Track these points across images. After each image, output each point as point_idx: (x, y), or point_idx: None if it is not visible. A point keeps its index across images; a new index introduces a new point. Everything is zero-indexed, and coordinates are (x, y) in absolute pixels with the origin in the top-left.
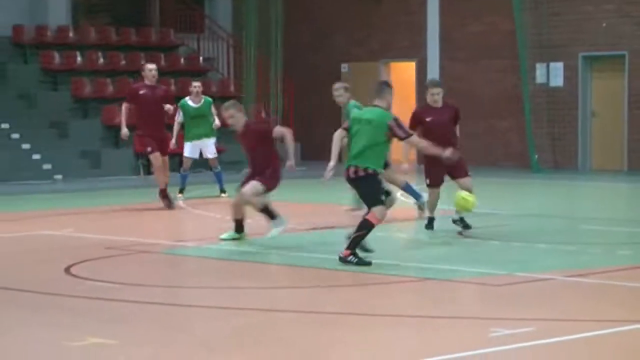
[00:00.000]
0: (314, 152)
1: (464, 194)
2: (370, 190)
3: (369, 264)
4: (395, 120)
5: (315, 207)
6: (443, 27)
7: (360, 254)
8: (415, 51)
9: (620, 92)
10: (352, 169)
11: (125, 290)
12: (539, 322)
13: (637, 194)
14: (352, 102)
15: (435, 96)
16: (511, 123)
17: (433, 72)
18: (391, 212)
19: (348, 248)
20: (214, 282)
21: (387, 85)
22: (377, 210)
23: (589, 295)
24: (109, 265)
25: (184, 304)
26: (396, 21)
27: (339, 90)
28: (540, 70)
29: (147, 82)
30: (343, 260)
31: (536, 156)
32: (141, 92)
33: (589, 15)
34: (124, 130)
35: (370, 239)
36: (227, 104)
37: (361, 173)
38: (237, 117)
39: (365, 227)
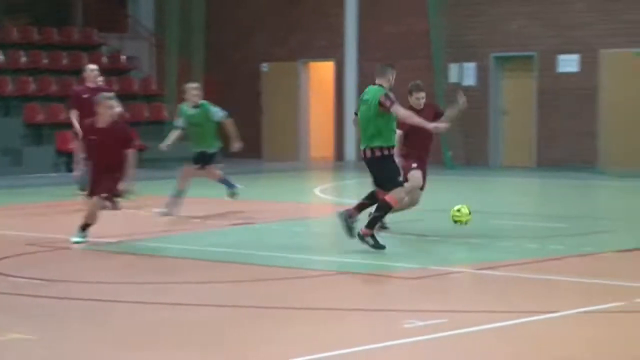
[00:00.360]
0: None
1: (456, 208)
2: (386, 173)
3: (383, 247)
4: (386, 94)
5: (231, 204)
6: (360, 28)
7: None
8: (333, 51)
9: (530, 92)
10: (367, 151)
11: (47, 286)
12: (452, 314)
13: (545, 190)
14: (204, 102)
15: (421, 100)
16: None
17: (351, 72)
18: (307, 208)
19: (368, 226)
20: (136, 277)
21: (389, 66)
22: (396, 192)
23: (500, 287)
24: (30, 262)
25: (105, 299)
26: (315, 22)
27: (196, 90)
28: (453, 70)
29: (89, 84)
30: (361, 238)
31: (450, 153)
32: (84, 95)
33: (500, 17)
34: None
35: (287, 234)
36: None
37: (377, 153)
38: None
39: (384, 208)
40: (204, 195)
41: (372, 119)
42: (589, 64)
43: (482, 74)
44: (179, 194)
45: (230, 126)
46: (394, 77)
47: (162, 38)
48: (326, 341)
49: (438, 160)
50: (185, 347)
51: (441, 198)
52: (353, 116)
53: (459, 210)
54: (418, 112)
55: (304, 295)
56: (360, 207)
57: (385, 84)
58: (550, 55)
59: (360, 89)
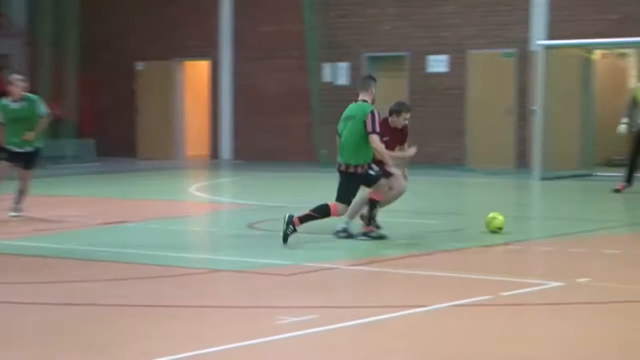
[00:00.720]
0: (108, 149)
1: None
2: (347, 189)
3: (383, 237)
4: (372, 112)
5: (108, 202)
6: (236, 28)
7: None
8: (208, 50)
9: (402, 91)
10: (342, 165)
11: None
12: (325, 309)
13: (416, 187)
14: (30, 95)
15: (405, 121)
16: (300, 120)
17: (226, 71)
18: (183, 206)
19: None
20: (12, 277)
21: (371, 78)
22: (340, 206)
23: (372, 282)
24: None
25: None
26: (190, 21)
27: (22, 82)
28: (326, 69)
29: None
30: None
31: (324, 151)
32: None
33: (373, 18)
34: None
35: (162, 232)
36: None
37: (351, 170)
38: None
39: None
40: (77, 194)
41: (357, 135)
42: (458, 64)
43: (355, 73)
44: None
45: (44, 124)
46: (376, 88)
47: (34, 35)
48: (196, 339)
49: (313, 158)
50: (49, 346)
51: (315, 196)
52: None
53: (494, 219)
54: (397, 130)
55: (175, 293)
56: (306, 219)
57: (369, 98)
58: (420, 55)
59: (236, 88)
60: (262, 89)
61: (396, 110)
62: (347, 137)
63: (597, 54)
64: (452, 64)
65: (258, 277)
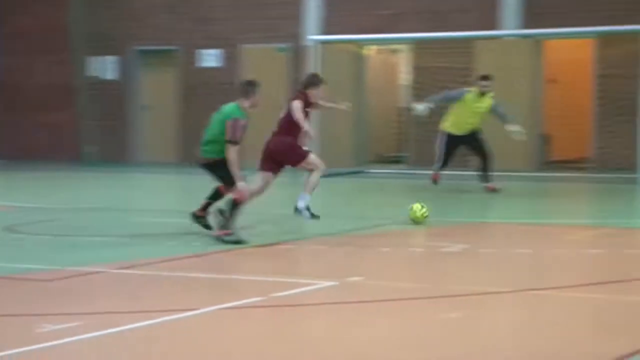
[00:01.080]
0: None
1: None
2: (224, 171)
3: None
4: (234, 120)
5: None
6: None
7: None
8: None
9: (172, 86)
10: (201, 158)
11: None
12: (89, 316)
13: (187, 186)
14: None
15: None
16: (65, 116)
17: None
18: None
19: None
20: None
21: (252, 85)
22: (238, 189)
23: (139, 286)
24: None
25: None
26: None
27: None
28: (94, 63)
29: None
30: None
31: (89, 148)
32: None
33: (143, 11)
34: None
35: None
36: None
37: (210, 161)
38: None
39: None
40: None
41: (217, 132)
42: (230, 59)
43: (124, 68)
44: None
45: None
46: (256, 94)
47: None
48: None
49: (76, 156)
50: None
51: (77, 196)
52: None
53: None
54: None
55: None
56: (206, 207)
57: (247, 106)
58: (192, 49)
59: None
60: (27, 84)
61: (315, 83)
62: (210, 131)
63: (370, 50)
64: (224, 58)
65: (19, 284)
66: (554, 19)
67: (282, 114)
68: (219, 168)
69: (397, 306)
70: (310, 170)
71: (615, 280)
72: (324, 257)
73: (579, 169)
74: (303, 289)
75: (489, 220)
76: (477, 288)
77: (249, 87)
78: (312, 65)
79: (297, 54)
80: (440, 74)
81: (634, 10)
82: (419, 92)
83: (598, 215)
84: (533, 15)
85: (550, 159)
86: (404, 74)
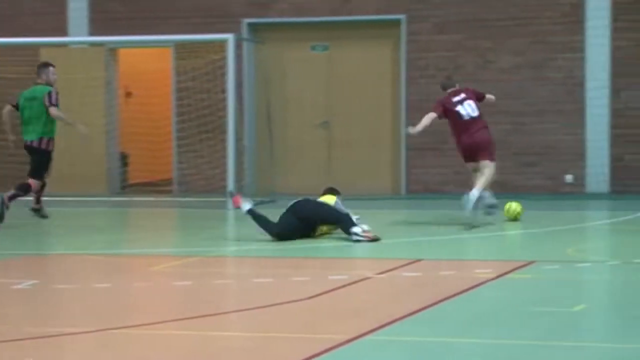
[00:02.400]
0: None
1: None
2: (37, 164)
3: None
4: (49, 93)
5: None
6: None
7: None
8: None
9: None
10: (27, 142)
11: None
12: None
13: None
14: None
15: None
16: None
17: None
18: None
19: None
20: None
21: (46, 65)
22: (36, 182)
23: None
24: None
25: None
26: None
27: None
28: None
29: None
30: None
31: None
32: None
33: None
34: None
35: None
36: None
37: (34, 144)
38: None
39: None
40: None
41: (36, 115)
42: None
43: None
44: None
45: None
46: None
47: None
48: None
49: None
50: None
51: None
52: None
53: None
54: None
55: None
56: (13, 197)
57: (44, 82)
58: None
59: None
60: None
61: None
62: (29, 116)
63: None
64: None
65: None
66: (128, 26)
67: (474, 112)
68: None
69: None
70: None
71: (208, 314)
72: None
73: (162, 192)
74: None
75: (58, 252)
76: (54, 329)
77: (43, 68)
78: None
79: None
80: (4, 85)
81: (212, 18)
82: None
83: (184, 243)
84: (105, 21)
85: (129, 182)
86: None
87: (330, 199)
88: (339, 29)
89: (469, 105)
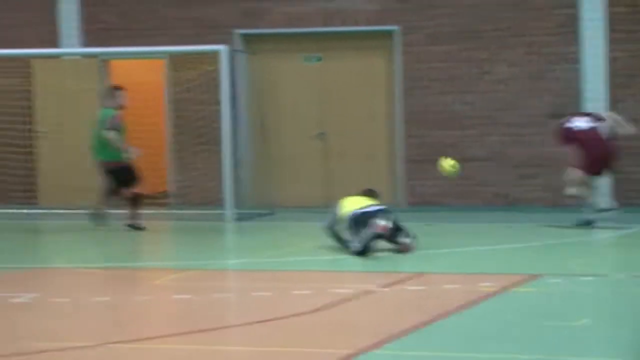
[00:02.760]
0: None
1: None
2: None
3: None
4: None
5: None
6: None
7: None
8: None
9: None
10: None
11: None
12: None
13: None
14: None
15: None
16: None
17: None
18: None
19: None
20: None
21: (115, 88)
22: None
23: None
24: None
25: None
26: None
27: None
28: None
29: None
30: None
31: None
32: None
33: None
34: None
35: None
36: None
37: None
38: None
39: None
40: None
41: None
42: None
43: None
44: None
45: None
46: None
47: None
48: None
49: None
50: None
51: None
52: None
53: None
54: None
55: None
56: None
57: (113, 106)
58: None
59: None
60: None
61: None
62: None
63: None
64: None
65: None
66: (121, 38)
67: (594, 123)
68: None
69: None
70: None
71: (208, 328)
72: None
73: (158, 205)
74: None
75: (57, 266)
76: (54, 344)
77: (112, 91)
78: None
79: None
80: None
81: (205, 29)
82: None
83: (182, 256)
84: (98, 32)
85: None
86: None
87: (356, 203)
88: (332, 40)
89: None
